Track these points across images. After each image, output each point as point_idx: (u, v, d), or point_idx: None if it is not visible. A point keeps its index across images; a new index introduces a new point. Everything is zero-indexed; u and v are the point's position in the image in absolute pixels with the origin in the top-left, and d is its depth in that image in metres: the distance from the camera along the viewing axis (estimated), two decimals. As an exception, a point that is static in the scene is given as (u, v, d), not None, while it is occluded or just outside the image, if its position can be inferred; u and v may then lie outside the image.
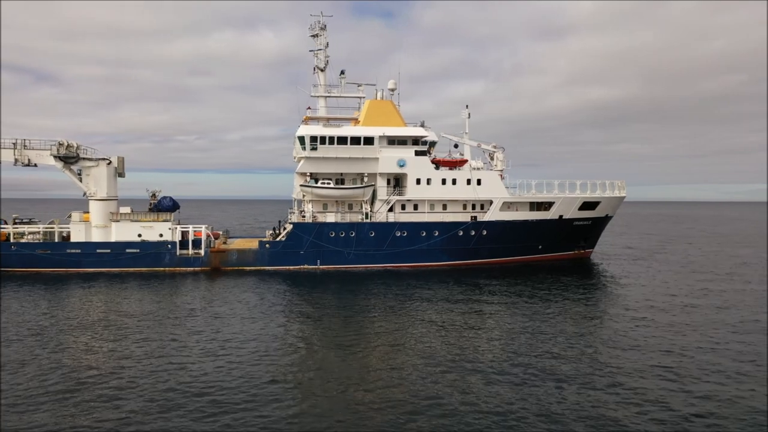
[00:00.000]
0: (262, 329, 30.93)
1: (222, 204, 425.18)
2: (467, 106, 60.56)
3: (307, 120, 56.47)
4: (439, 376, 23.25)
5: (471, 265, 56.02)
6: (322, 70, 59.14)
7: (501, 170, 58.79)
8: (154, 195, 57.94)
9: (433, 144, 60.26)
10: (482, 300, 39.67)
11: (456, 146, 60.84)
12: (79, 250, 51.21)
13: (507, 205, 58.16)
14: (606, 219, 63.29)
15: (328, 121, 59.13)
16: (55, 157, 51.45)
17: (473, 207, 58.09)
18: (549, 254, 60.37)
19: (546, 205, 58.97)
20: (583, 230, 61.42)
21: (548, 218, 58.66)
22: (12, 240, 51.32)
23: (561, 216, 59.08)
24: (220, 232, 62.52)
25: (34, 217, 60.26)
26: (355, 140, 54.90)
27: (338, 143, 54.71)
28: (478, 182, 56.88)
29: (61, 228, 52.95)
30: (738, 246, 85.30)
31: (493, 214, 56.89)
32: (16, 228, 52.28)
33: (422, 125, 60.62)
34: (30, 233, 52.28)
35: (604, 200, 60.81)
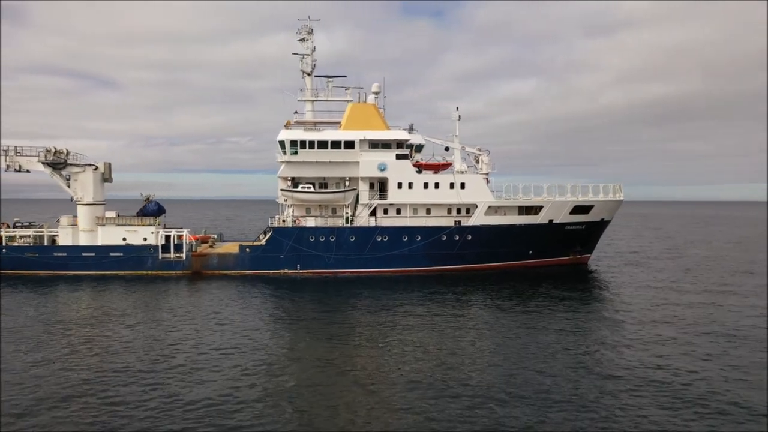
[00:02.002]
0: (225, 338, 30.78)
1: (262, 204, 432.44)
2: (457, 108, 59.49)
3: (289, 124, 56.55)
4: (415, 394, 22.42)
5: (456, 271, 54.99)
6: (308, 75, 59.17)
7: (486, 173, 57.53)
8: (148, 198, 59.25)
9: (419, 147, 59.49)
10: (463, 307, 39.07)
11: (447, 149, 59.94)
12: (66, 254, 52.74)
13: (494, 210, 56.87)
14: (602, 223, 61.10)
15: (315, 125, 59.13)
16: (43, 163, 53.12)
17: (458, 211, 57.01)
18: (541, 259, 58.64)
19: (535, 209, 57.37)
20: (576, 235, 59.44)
21: (537, 222, 57.02)
22: (4, 243, 53.25)
23: (551, 220, 57.34)
24: (212, 236, 63.51)
25: (34, 221, 62.38)
26: (336, 144, 54.68)
27: (319, 147, 54.61)
28: (462, 186, 55.78)
29: (50, 232, 54.65)
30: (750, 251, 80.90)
31: (477, 219, 55.68)
32: (8, 231, 54.21)
33: (410, 129, 60.04)
34: (21, 236, 54.13)
35: (598, 204, 58.71)
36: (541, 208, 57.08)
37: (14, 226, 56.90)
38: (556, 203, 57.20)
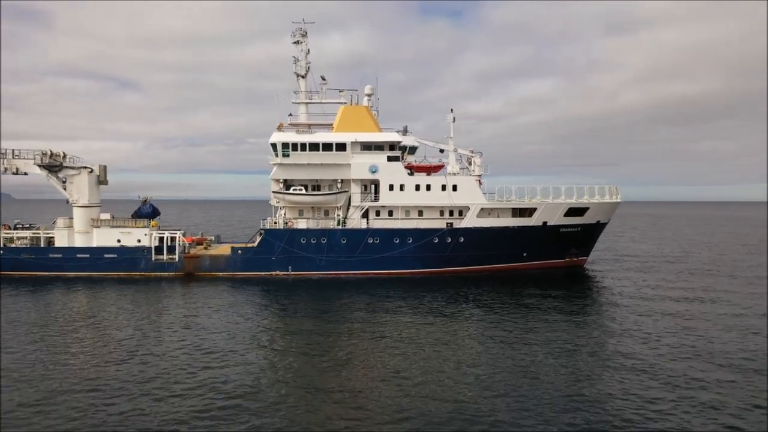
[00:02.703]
0: (204, 341, 30.91)
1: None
2: (452, 110, 59.35)
3: (282, 126, 56.77)
4: (405, 400, 22.33)
5: (448, 273, 54.73)
6: (302, 77, 59.37)
7: (479, 175, 57.20)
8: (145, 200, 59.95)
9: (412, 149, 59.37)
10: (454, 310, 38.93)
11: (442, 151, 59.77)
12: (61, 255, 53.55)
13: (487, 212, 56.50)
14: (598, 225, 60.35)
15: (309, 127, 59.30)
16: (39, 165, 54.02)
17: (450, 213, 56.73)
18: (535, 262, 58.11)
19: (528, 212, 56.88)
20: (572, 237, 58.79)
21: (531, 225, 56.53)
22: (2, 244, 54.23)
23: (545, 222, 56.79)
24: (209, 238, 63.96)
25: (35, 223, 63.41)
26: (327, 146, 54.78)
27: (310, 149, 54.76)
28: (454, 188, 55.49)
29: (46, 233, 55.53)
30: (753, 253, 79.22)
31: (470, 221, 55.35)
32: (7, 233, 55.19)
33: (404, 131, 59.98)
34: (18, 238, 55.08)
35: (593, 206, 58.02)
36: (534, 210, 56.58)
37: (15, 228, 57.96)
38: (549, 205, 56.67)
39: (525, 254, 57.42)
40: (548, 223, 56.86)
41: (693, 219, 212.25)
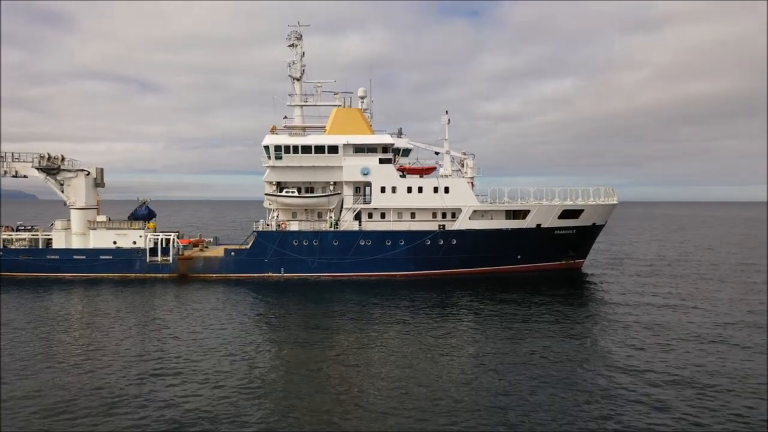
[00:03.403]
0: (193, 343, 31.29)
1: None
2: (447, 111, 59.10)
3: (275, 129, 57.13)
4: (393, 401, 22.60)
5: (441, 276, 54.64)
6: (297, 80, 59.67)
7: (471, 177, 57.03)
8: (144, 202, 60.80)
9: (406, 152, 59.37)
10: (445, 312, 39.16)
11: (437, 153, 59.72)
12: (58, 257, 54.50)
13: (480, 214, 56.29)
14: (594, 228, 59.76)
15: (304, 130, 59.59)
16: (37, 168, 55.05)
17: (443, 215, 56.61)
18: (530, 264, 57.73)
19: (522, 214, 56.54)
20: (567, 239, 58.31)
21: (524, 227, 56.19)
22: (2, 246, 55.33)
23: (539, 225, 56.42)
24: (206, 240, 64.59)
25: (36, 225, 64.59)
26: (319, 149, 55.04)
27: (302, 152, 55.06)
28: (446, 190, 55.37)
29: (45, 235, 56.54)
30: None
31: (462, 223, 55.19)
32: (6, 234, 56.29)
33: (399, 133, 60.05)
34: (18, 240, 56.15)
35: (588, 208, 57.49)
36: (528, 212, 56.23)
37: (17, 230, 59.12)
38: (543, 207, 56.28)
39: (519, 257, 57.09)
40: (542, 226, 56.47)
41: (716, 220, 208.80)
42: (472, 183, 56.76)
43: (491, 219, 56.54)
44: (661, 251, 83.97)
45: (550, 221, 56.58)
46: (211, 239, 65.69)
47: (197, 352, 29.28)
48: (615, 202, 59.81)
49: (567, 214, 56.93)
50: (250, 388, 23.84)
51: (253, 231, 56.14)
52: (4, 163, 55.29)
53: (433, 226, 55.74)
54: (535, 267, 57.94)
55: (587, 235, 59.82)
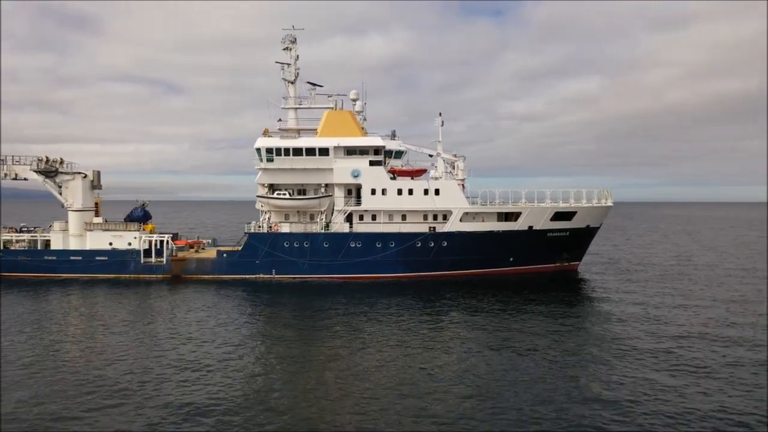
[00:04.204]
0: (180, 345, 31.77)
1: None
2: (440, 113, 59.16)
3: (267, 132, 57.64)
4: (380, 401, 22.92)
5: (432, 278, 54.63)
6: (291, 83, 60.11)
7: (462, 179, 56.92)
8: (143, 204, 61.87)
9: (399, 154, 59.48)
10: (434, 315, 39.21)
11: (431, 156, 59.73)
12: (55, 257, 55.67)
13: (472, 216, 56.17)
14: (588, 230, 59.19)
15: (298, 132, 60.02)
16: (36, 171, 56.32)
17: (434, 218, 56.59)
18: (523, 267, 57.38)
19: (514, 216, 56.28)
20: (560, 242, 57.87)
21: (516, 229, 55.91)
22: (2, 247, 56.68)
23: (531, 227, 56.10)
24: (204, 241, 65.35)
25: (39, 226, 66.02)
26: (310, 151, 55.45)
27: (294, 154, 55.52)
28: (436, 192, 55.36)
29: (43, 236, 57.80)
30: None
31: (452, 225, 55.11)
32: (6, 235, 57.67)
33: (393, 135, 60.15)
34: (18, 241, 57.47)
35: (581, 210, 57.00)
36: (519, 214, 55.96)
37: (20, 231, 60.56)
38: (535, 209, 55.96)
39: (511, 259, 56.80)
40: (534, 228, 56.14)
41: (740, 221, 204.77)
42: (462, 185, 56.67)
43: (483, 221, 56.40)
44: (663, 253, 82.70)
45: (542, 223, 56.23)
46: (209, 241, 66.45)
47: (176, 352, 29.78)
48: (610, 204, 59.24)
49: (559, 216, 56.53)
50: (232, 393, 23.93)
51: (245, 232, 56.73)
52: (5, 166, 56.67)
53: (424, 228, 55.77)
54: (528, 269, 57.58)
55: (581, 237, 59.28)
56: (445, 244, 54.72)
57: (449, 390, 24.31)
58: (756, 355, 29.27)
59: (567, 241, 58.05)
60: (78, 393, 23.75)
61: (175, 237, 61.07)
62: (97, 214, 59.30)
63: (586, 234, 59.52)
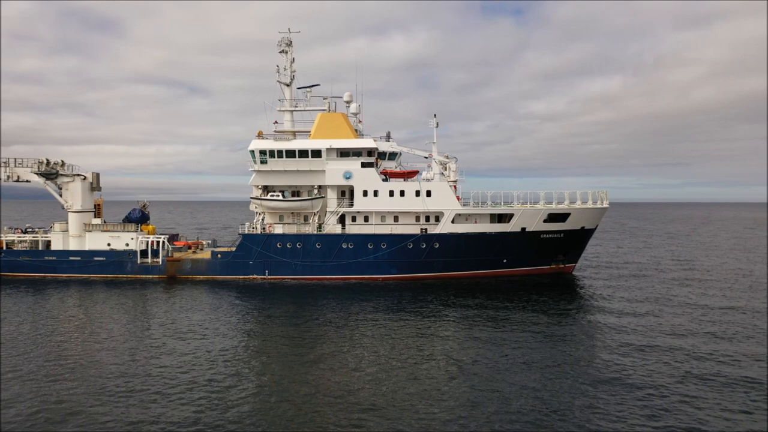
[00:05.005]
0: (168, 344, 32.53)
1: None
2: (435, 115, 59.17)
3: (261, 134, 58.22)
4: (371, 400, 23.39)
5: (424, 279, 54.71)
6: (287, 85, 60.70)
7: (454, 181, 56.89)
8: (144, 205, 62.91)
9: (393, 155, 59.67)
10: (425, 316, 39.48)
11: (426, 157, 59.80)
12: (55, 258, 56.88)
13: (464, 217, 56.13)
14: (583, 231, 58.70)
15: (294, 134, 60.52)
16: (36, 173, 57.60)
17: (427, 219, 56.66)
18: (517, 268, 57.14)
19: (507, 217, 56.09)
20: (555, 243, 57.51)
21: (508, 231, 55.70)
22: (5, 248, 58.07)
23: (524, 228, 55.85)
24: (203, 242, 66.19)
25: (42, 227, 67.52)
26: (303, 153, 55.91)
27: (287, 156, 56.03)
28: (428, 193, 55.43)
29: (44, 237, 59.08)
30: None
31: (444, 226, 55.11)
32: (8, 237, 59.08)
33: (387, 137, 60.33)
34: (19, 241, 58.83)
35: (575, 212, 56.59)
36: (512, 215, 55.76)
37: (25, 232, 62.02)
38: (527, 211, 55.70)
39: (505, 261, 56.61)
40: (527, 229, 55.88)
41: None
42: (455, 186, 56.64)
43: (475, 222, 56.30)
44: (664, 255, 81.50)
45: (536, 225, 55.94)
46: (209, 242, 67.28)
47: (162, 350, 30.51)
48: (606, 205, 58.73)
49: (553, 217, 56.20)
50: (220, 391, 24.39)
51: (239, 233, 57.37)
52: (7, 168, 58.06)
53: (416, 230, 55.88)
54: (522, 271, 57.33)
55: (576, 239, 58.83)
56: (437, 245, 54.74)
57: (441, 389, 24.69)
58: (756, 350, 29.28)
59: (561, 242, 57.68)
60: (79, 393, 24.37)
61: (174, 238, 62.07)
62: (98, 216, 60.45)
63: (582, 236, 59.05)
